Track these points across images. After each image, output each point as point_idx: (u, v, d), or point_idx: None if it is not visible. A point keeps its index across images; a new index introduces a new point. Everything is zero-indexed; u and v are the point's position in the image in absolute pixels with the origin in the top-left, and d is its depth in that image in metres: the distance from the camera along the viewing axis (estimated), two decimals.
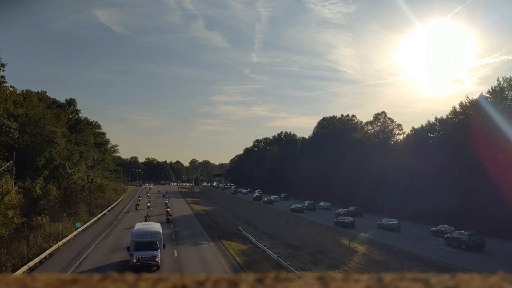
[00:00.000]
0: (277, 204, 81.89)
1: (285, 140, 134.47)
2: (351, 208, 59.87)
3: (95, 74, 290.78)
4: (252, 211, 68.56)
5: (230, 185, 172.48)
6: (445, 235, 38.07)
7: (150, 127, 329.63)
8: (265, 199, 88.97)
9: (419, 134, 63.80)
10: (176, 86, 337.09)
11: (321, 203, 72.12)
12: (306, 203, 71.48)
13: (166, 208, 58.02)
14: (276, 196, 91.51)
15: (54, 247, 31.69)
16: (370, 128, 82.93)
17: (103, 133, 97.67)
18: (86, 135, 78.55)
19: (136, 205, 65.04)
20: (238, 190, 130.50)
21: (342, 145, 79.70)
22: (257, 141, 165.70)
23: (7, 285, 0.88)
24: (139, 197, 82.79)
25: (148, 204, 68.70)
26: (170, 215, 52.14)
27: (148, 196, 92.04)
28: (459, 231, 37.04)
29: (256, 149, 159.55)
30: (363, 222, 51.74)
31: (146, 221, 42.24)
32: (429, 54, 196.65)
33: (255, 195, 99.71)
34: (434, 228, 42.90)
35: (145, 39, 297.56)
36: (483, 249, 33.48)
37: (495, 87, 49.97)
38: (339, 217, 52.49)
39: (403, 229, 45.53)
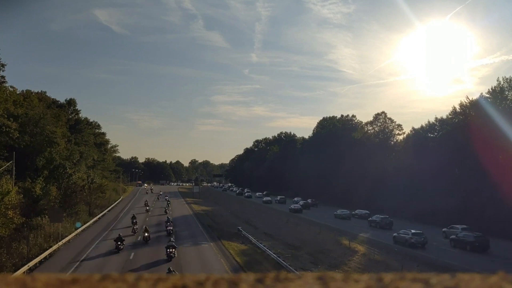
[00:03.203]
0: (257, 199, 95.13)
1: (285, 140, 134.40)
2: (309, 200, 74.94)
3: (95, 74, 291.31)
4: (252, 211, 68.62)
5: (227, 185, 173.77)
6: (368, 219, 51.37)
7: (150, 127, 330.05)
8: (246, 194, 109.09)
9: (419, 134, 63.75)
10: (176, 86, 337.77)
11: (295, 199, 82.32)
12: (278, 197, 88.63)
13: (168, 245, 29.59)
14: (261, 193, 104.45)
15: (54, 247, 31.74)
16: (370, 128, 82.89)
17: (103, 133, 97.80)
18: (86, 135, 78.59)
19: (118, 243, 32.20)
20: (230, 188, 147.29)
21: (342, 145, 79.65)
22: (257, 141, 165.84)
23: (7, 285, 0.87)
24: (133, 218, 45.56)
25: (146, 234, 36.63)
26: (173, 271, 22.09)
27: (147, 210, 63.47)
28: (377, 215, 50.66)
29: (256, 149, 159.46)
30: (315, 211, 67.45)
31: None
32: (429, 54, 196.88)
33: (237, 191, 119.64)
34: (354, 212, 58.61)
35: (145, 39, 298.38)
36: (392, 228, 46.16)
37: (495, 87, 49.95)
38: (291, 206, 68.30)
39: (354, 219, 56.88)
